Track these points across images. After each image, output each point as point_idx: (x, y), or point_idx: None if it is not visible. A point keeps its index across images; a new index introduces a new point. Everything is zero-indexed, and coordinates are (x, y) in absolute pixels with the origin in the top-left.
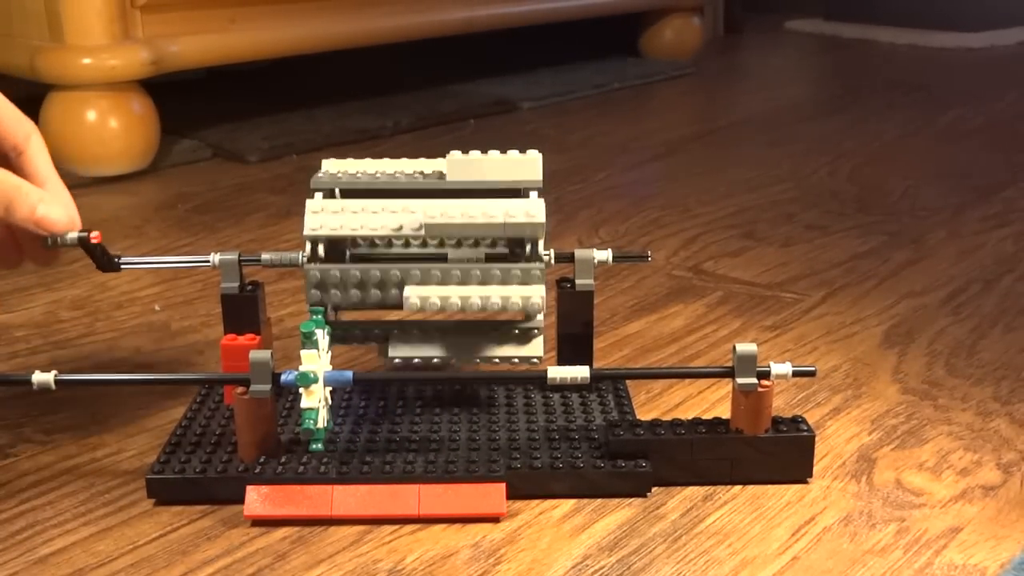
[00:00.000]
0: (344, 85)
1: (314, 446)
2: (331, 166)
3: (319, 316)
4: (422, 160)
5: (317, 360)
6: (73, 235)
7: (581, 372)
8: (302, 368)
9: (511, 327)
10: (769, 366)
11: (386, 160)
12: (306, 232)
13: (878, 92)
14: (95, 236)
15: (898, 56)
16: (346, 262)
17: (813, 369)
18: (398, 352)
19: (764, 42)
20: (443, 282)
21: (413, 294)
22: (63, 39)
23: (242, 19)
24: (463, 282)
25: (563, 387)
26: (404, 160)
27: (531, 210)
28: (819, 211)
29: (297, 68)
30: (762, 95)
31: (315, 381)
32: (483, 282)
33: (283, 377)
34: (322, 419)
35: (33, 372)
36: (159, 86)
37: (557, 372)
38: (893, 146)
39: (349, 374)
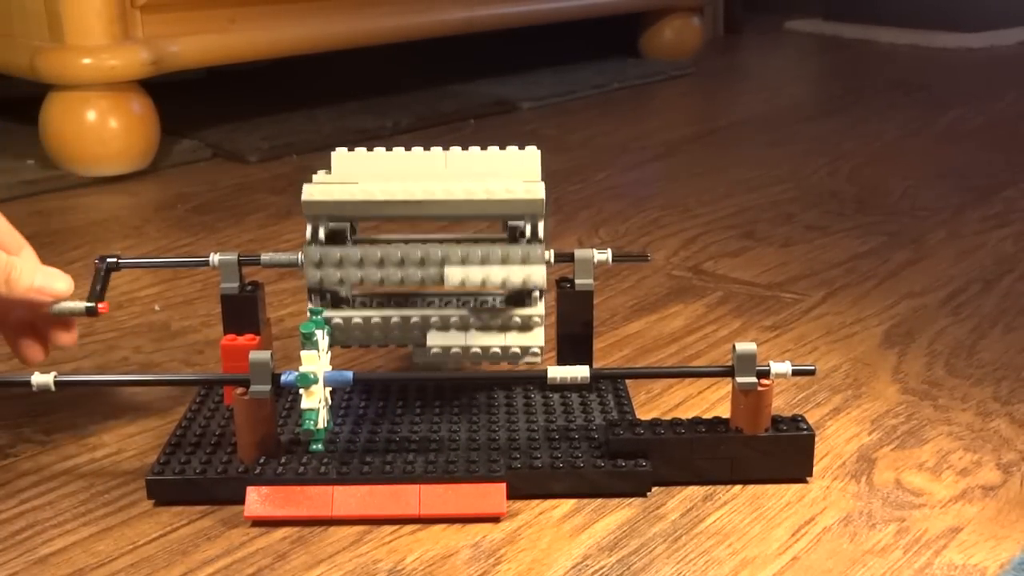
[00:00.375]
0: (344, 85)
1: (314, 447)
2: (339, 158)
3: (319, 316)
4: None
5: (317, 361)
6: (80, 306)
7: (581, 372)
8: (302, 369)
9: (511, 316)
10: (769, 365)
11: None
12: (305, 200)
13: (878, 92)
14: (103, 308)
15: (898, 56)
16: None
17: (813, 368)
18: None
19: (764, 42)
20: (445, 261)
21: (414, 270)
22: (63, 39)
23: (242, 19)
24: (465, 261)
25: (563, 387)
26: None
27: (531, 187)
28: (819, 211)
29: (297, 68)
30: (762, 95)
31: (315, 382)
32: (485, 261)
33: (283, 377)
34: (322, 419)
35: (32, 373)
36: (159, 86)
37: (557, 372)
38: (893, 146)
39: (349, 374)
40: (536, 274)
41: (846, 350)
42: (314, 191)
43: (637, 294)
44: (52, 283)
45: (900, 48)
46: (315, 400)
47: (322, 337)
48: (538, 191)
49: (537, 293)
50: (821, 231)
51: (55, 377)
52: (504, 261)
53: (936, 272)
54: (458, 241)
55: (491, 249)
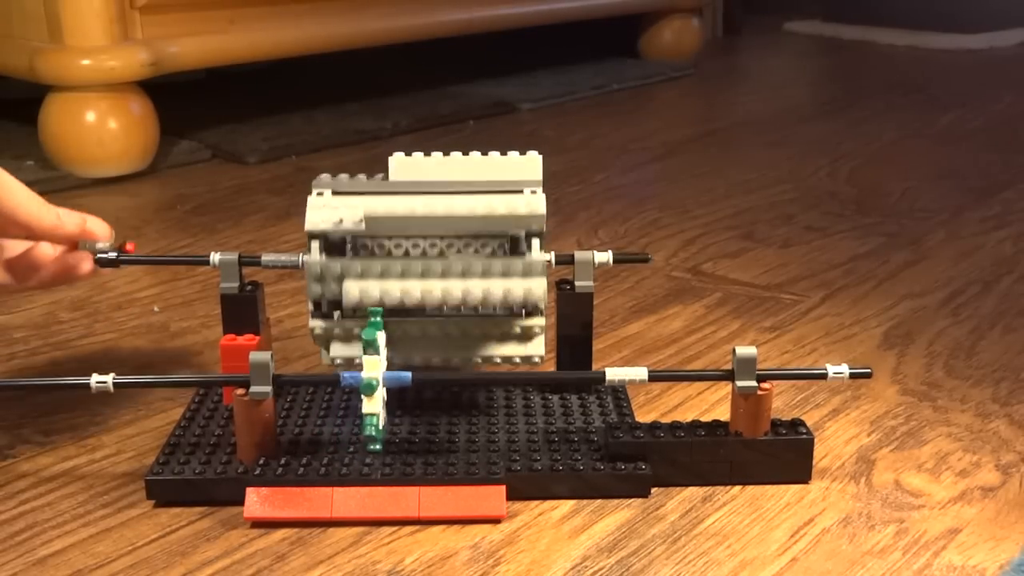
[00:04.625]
0: (343, 86)
1: (373, 447)
2: (397, 162)
3: (378, 319)
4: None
5: (378, 366)
6: (108, 247)
7: (639, 374)
8: (364, 375)
9: (512, 326)
10: (826, 368)
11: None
12: (308, 227)
13: (877, 93)
14: (130, 246)
15: (897, 57)
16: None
17: (869, 371)
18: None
19: (763, 43)
20: (445, 275)
21: (416, 285)
22: (62, 40)
23: (241, 20)
24: (465, 275)
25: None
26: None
27: (532, 203)
28: (818, 212)
29: (296, 69)
30: (761, 96)
31: (376, 387)
32: (485, 274)
33: (343, 378)
34: (381, 421)
35: (91, 376)
36: (158, 87)
37: (616, 374)
38: (892, 147)
39: (407, 375)
40: (536, 288)
41: (845, 351)
42: (317, 212)
43: (636, 295)
44: (75, 217)
45: (899, 49)
46: (376, 405)
47: (382, 341)
48: (539, 206)
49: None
50: (820, 232)
51: (113, 379)
52: (504, 275)
53: (935, 273)
54: (458, 240)
55: (491, 263)
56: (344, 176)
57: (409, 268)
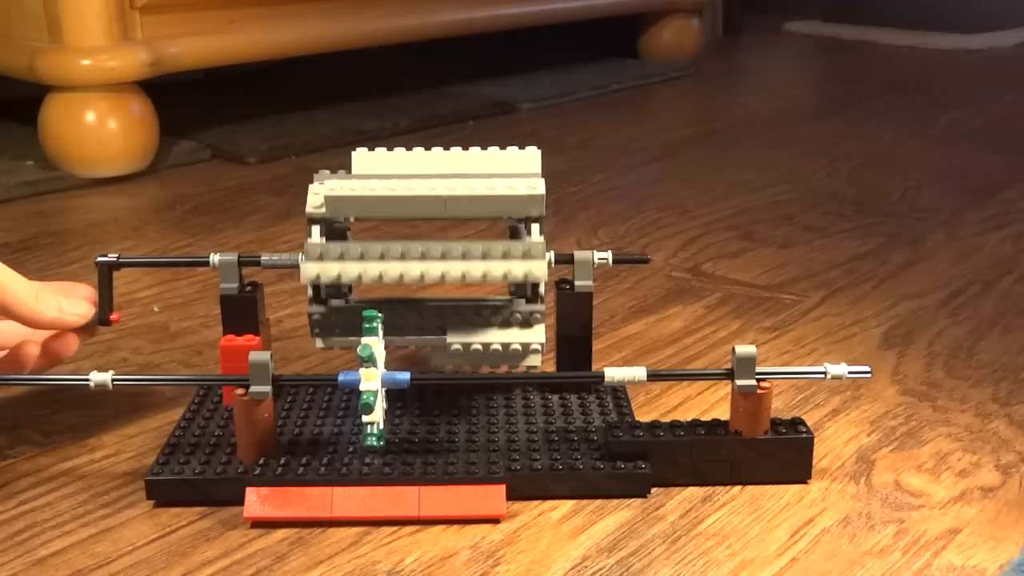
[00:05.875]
0: (343, 86)
1: (371, 444)
2: (360, 157)
3: (375, 324)
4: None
5: (377, 377)
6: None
7: (639, 374)
8: (363, 387)
9: (511, 311)
10: (825, 367)
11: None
12: (308, 210)
13: (877, 94)
14: (115, 318)
15: (897, 58)
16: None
17: (868, 370)
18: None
19: (763, 44)
20: (445, 257)
21: (415, 265)
22: (62, 40)
23: (241, 20)
24: (466, 256)
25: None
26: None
27: (532, 184)
28: (818, 212)
29: (296, 69)
30: (761, 97)
31: (374, 405)
32: (486, 256)
33: (340, 378)
34: (380, 419)
35: (90, 373)
36: (158, 87)
37: (615, 374)
38: (892, 148)
39: (406, 376)
40: (537, 268)
41: (845, 351)
42: (319, 189)
43: (636, 295)
44: (76, 307)
45: (899, 49)
46: (376, 415)
47: (379, 349)
48: (539, 187)
49: (539, 288)
50: (820, 232)
51: (112, 377)
52: (505, 256)
53: (935, 273)
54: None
55: (492, 245)
56: (344, 173)
57: (409, 250)
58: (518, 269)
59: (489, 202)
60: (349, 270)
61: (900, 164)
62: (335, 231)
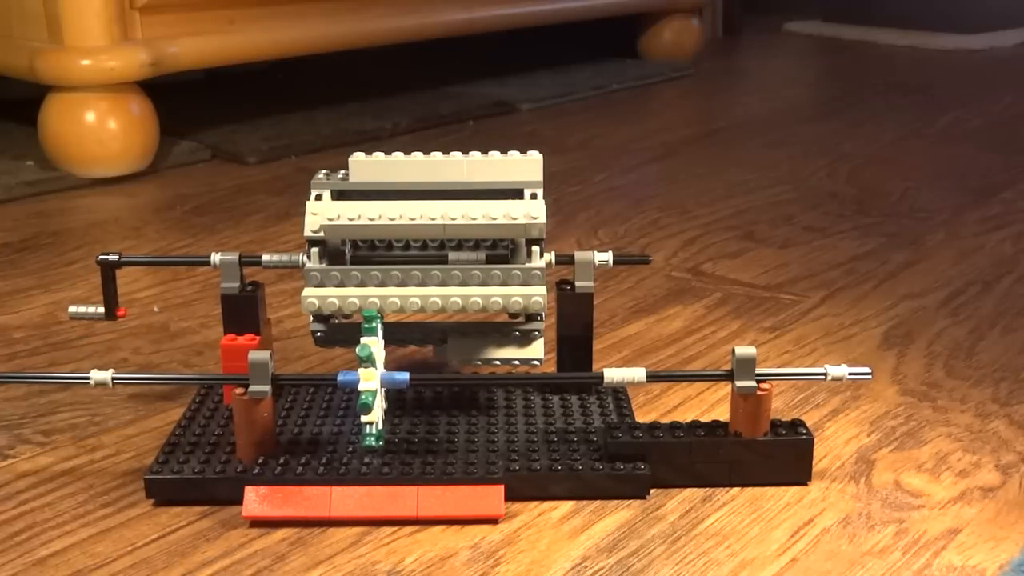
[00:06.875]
0: (343, 87)
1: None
2: (357, 164)
3: (374, 324)
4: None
5: (375, 377)
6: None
7: (638, 375)
8: (362, 388)
9: (511, 329)
10: (825, 368)
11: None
12: (306, 233)
13: (877, 94)
14: (120, 313)
15: (897, 58)
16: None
17: (868, 372)
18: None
19: (763, 44)
20: (444, 283)
21: (414, 294)
22: (62, 40)
23: (241, 20)
24: (464, 283)
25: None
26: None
27: (532, 211)
28: (818, 213)
29: (296, 69)
30: (761, 97)
31: (373, 405)
32: (484, 283)
33: (340, 377)
34: (379, 419)
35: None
36: (158, 87)
37: (615, 374)
38: (892, 148)
39: (405, 376)
40: (536, 298)
41: (845, 351)
42: (317, 217)
43: (636, 295)
44: None
45: (899, 50)
46: (375, 415)
47: (378, 349)
48: (539, 214)
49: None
50: (820, 232)
51: (113, 376)
52: (504, 283)
53: (935, 273)
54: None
55: (490, 272)
56: (343, 173)
57: (408, 277)
58: (517, 299)
59: (487, 229)
60: (349, 303)
61: (900, 164)
62: (335, 251)
